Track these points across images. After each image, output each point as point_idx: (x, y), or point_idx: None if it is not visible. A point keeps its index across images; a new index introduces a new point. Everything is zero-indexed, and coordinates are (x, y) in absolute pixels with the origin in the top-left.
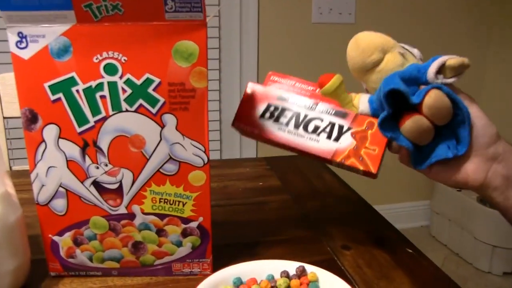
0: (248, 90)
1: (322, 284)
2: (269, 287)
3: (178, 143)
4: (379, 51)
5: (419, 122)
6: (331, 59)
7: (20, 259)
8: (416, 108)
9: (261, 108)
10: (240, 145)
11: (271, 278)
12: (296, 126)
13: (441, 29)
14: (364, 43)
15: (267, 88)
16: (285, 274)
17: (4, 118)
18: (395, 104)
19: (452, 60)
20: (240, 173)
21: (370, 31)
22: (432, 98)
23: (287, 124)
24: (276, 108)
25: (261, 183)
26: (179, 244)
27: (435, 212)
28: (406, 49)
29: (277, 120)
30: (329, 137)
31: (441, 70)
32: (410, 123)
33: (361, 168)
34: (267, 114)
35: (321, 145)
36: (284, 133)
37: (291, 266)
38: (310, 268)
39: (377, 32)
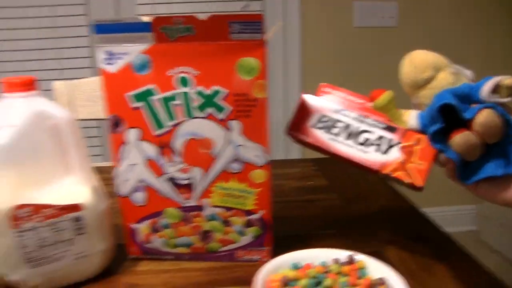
0: (302, 101)
1: (370, 271)
2: (322, 271)
3: (242, 145)
4: (432, 68)
5: (468, 137)
6: (374, 62)
7: (107, 242)
8: (467, 125)
9: (313, 118)
10: (286, 147)
11: (324, 264)
12: (347, 137)
13: (484, 32)
14: (418, 60)
15: (320, 99)
16: (336, 261)
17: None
18: (446, 119)
19: (508, 80)
20: (289, 173)
21: (424, 50)
22: (484, 117)
23: (338, 134)
24: (328, 119)
25: (309, 183)
26: (242, 234)
27: (483, 216)
28: (459, 70)
29: (329, 130)
30: (377, 149)
31: (495, 89)
32: (459, 137)
33: (408, 181)
34: (320, 125)
35: (369, 156)
36: (335, 143)
37: (342, 255)
38: (358, 257)
39: (432, 52)
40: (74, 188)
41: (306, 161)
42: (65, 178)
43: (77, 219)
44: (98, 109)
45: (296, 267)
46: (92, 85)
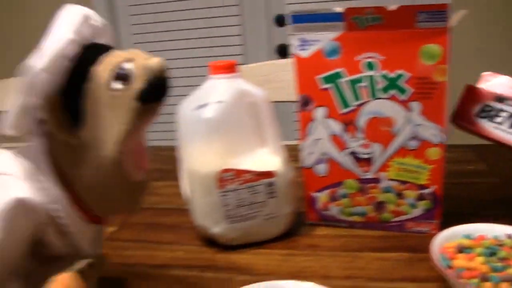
0: (466, 90)
1: None
2: (494, 243)
3: (421, 124)
4: None
5: None
6: None
7: (292, 206)
8: None
9: (477, 107)
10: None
11: (497, 238)
12: (510, 126)
13: None
14: None
15: (482, 88)
16: (510, 237)
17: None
18: None
19: None
20: (449, 157)
21: None
22: None
23: (502, 123)
24: (491, 108)
25: (469, 167)
26: (414, 206)
27: None
28: None
29: (492, 119)
30: None
31: None
32: None
33: None
34: (483, 114)
35: None
36: (499, 131)
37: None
38: None
39: None
40: (268, 158)
41: (465, 146)
42: (260, 149)
43: (270, 184)
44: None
45: (469, 237)
46: (260, 70)
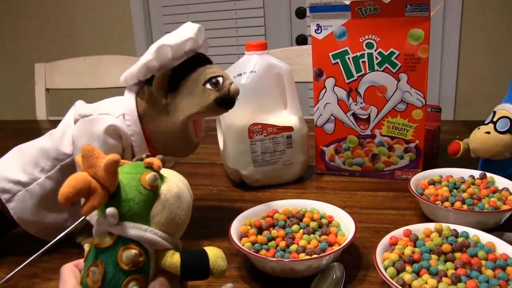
0: None
1: (497, 183)
2: (458, 180)
3: (407, 91)
4: None
5: None
6: None
7: (305, 156)
8: None
9: None
10: None
11: (461, 177)
12: None
13: None
14: None
15: None
16: (472, 177)
17: None
18: None
19: None
20: (444, 129)
21: None
22: None
23: None
24: None
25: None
26: (401, 158)
27: None
28: None
29: None
30: None
31: None
32: None
33: None
34: None
35: None
36: None
37: (476, 173)
38: (489, 175)
39: None
40: (288, 116)
41: (458, 121)
42: (282, 110)
43: (288, 137)
44: None
45: (440, 176)
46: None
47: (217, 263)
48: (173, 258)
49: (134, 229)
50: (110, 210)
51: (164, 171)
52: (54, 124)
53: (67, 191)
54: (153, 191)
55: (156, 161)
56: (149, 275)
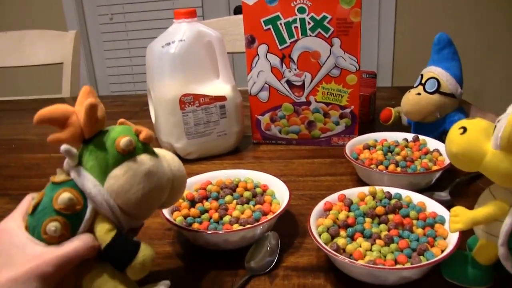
0: None
1: (429, 145)
2: (392, 144)
3: (341, 56)
4: None
5: None
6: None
7: (240, 126)
8: None
9: None
10: None
11: (395, 140)
12: None
13: None
14: None
15: None
16: (406, 140)
17: None
18: None
19: None
20: (380, 95)
21: None
22: None
23: None
24: None
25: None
26: (337, 124)
27: None
28: None
29: None
30: None
31: None
32: None
33: None
34: None
35: None
36: None
37: (409, 136)
38: (421, 137)
39: None
40: (220, 86)
41: (394, 87)
42: (214, 79)
43: (222, 107)
44: None
45: (375, 141)
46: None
47: (144, 261)
48: (107, 235)
49: (85, 180)
50: (65, 146)
51: (165, 153)
52: None
53: (44, 112)
54: (122, 154)
55: (145, 132)
56: (78, 229)
